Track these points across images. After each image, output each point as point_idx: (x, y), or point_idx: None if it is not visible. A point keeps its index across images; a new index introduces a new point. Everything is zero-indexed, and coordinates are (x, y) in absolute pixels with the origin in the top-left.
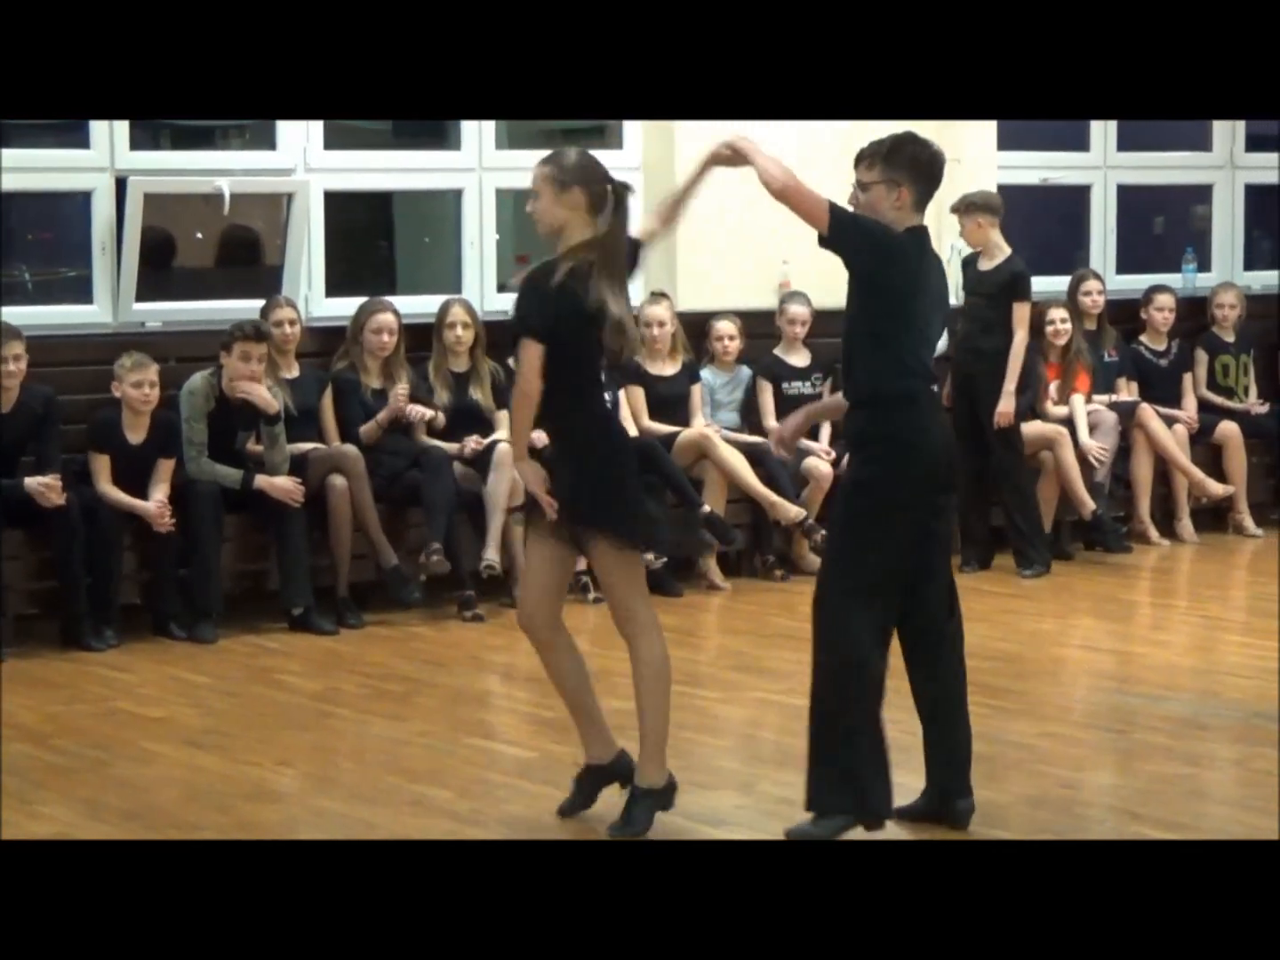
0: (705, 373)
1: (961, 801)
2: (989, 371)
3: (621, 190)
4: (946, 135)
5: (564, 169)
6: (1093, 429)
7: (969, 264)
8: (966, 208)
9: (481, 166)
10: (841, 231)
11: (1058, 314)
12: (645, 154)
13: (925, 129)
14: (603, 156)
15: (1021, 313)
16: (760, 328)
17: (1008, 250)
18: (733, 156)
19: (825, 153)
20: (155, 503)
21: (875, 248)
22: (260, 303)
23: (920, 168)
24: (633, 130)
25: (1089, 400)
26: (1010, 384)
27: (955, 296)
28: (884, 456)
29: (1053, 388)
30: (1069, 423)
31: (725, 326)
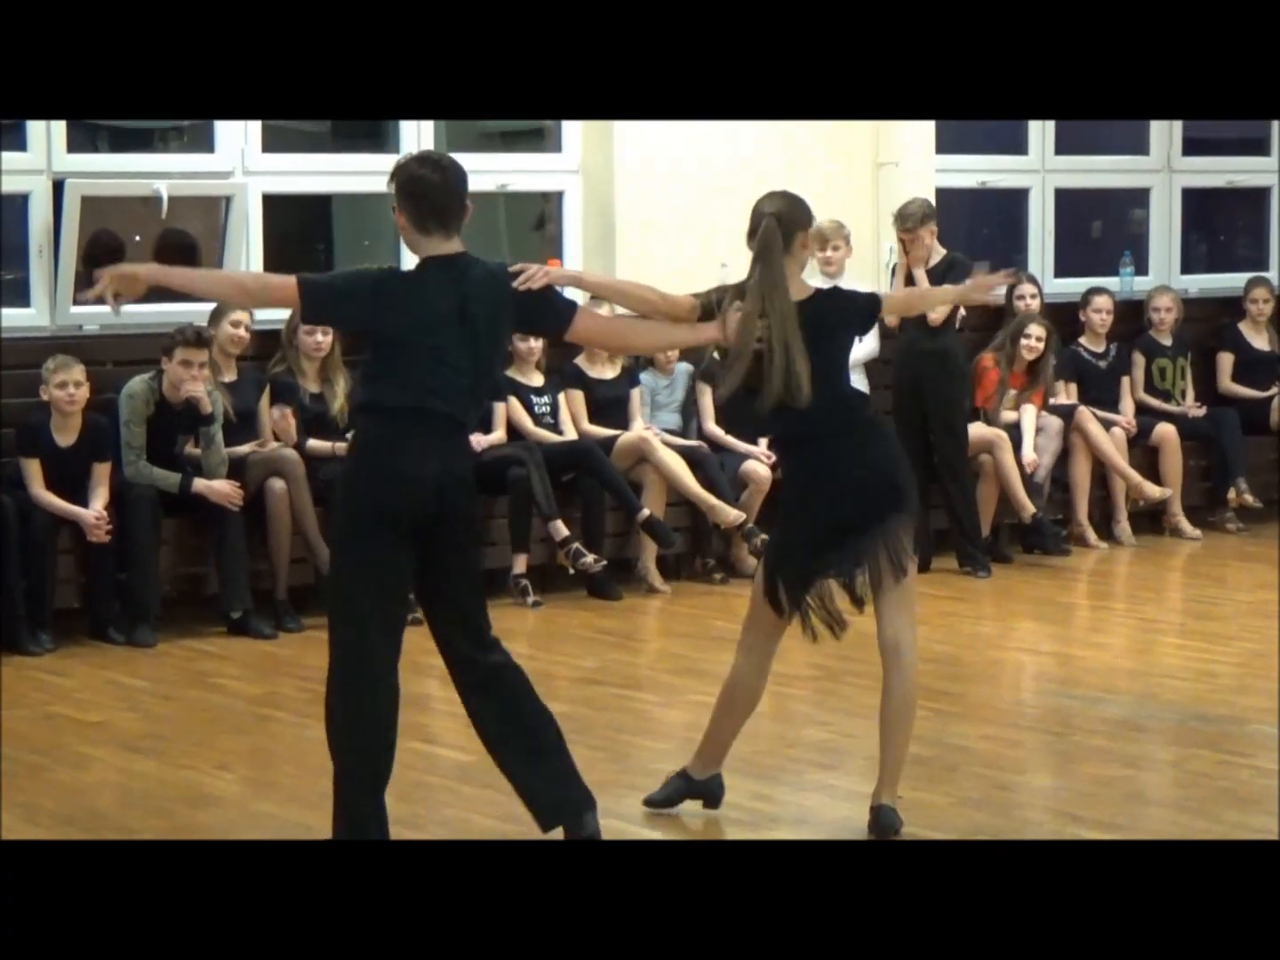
0: (645, 376)
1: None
2: (936, 372)
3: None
4: (884, 139)
5: None
6: (1036, 431)
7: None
8: (922, 219)
9: None
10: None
11: (1036, 330)
12: (584, 157)
13: (863, 131)
14: (541, 160)
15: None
16: None
17: (942, 251)
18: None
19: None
20: (93, 512)
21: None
22: (197, 307)
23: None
24: (571, 133)
25: (1039, 414)
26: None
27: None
28: None
29: (1010, 394)
30: (1012, 428)
31: None
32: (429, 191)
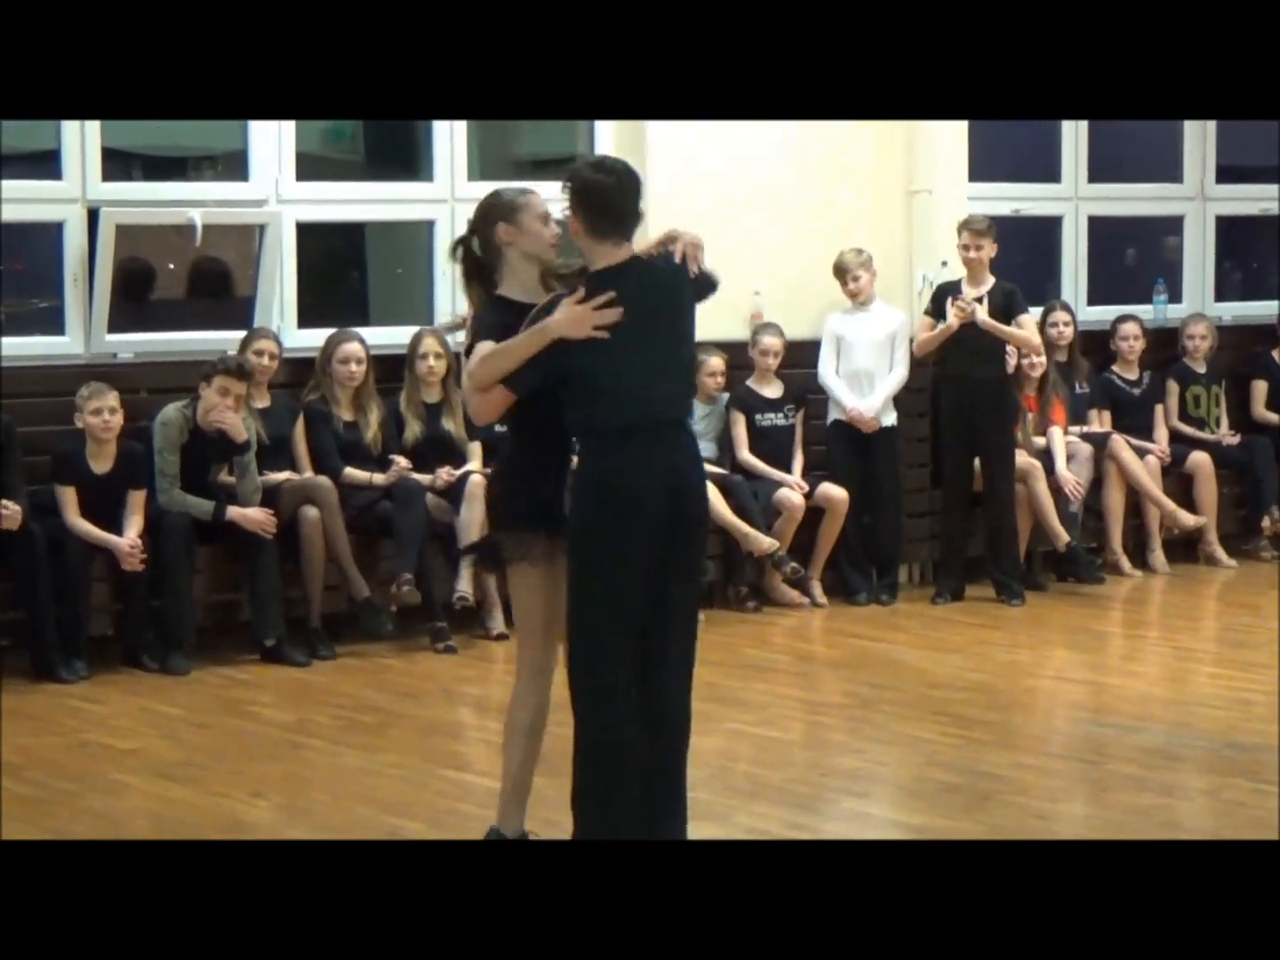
0: None
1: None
2: (986, 401)
3: None
4: (917, 166)
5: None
6: (1068, 460)
7: (949, 292)
8: (989, 227)
9: (454, 197)
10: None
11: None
12: None
13: (896, 158)
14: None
15: (1027, 323)
16: (734, 359)
17: (992, 278)
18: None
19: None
20: (128, 540)
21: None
22: (231, 334)
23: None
24: None
25: (1065, 432)
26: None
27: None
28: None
29: (1030, 419)
30: (1046, 455)
31: (716, 363)
32: (606, 196)
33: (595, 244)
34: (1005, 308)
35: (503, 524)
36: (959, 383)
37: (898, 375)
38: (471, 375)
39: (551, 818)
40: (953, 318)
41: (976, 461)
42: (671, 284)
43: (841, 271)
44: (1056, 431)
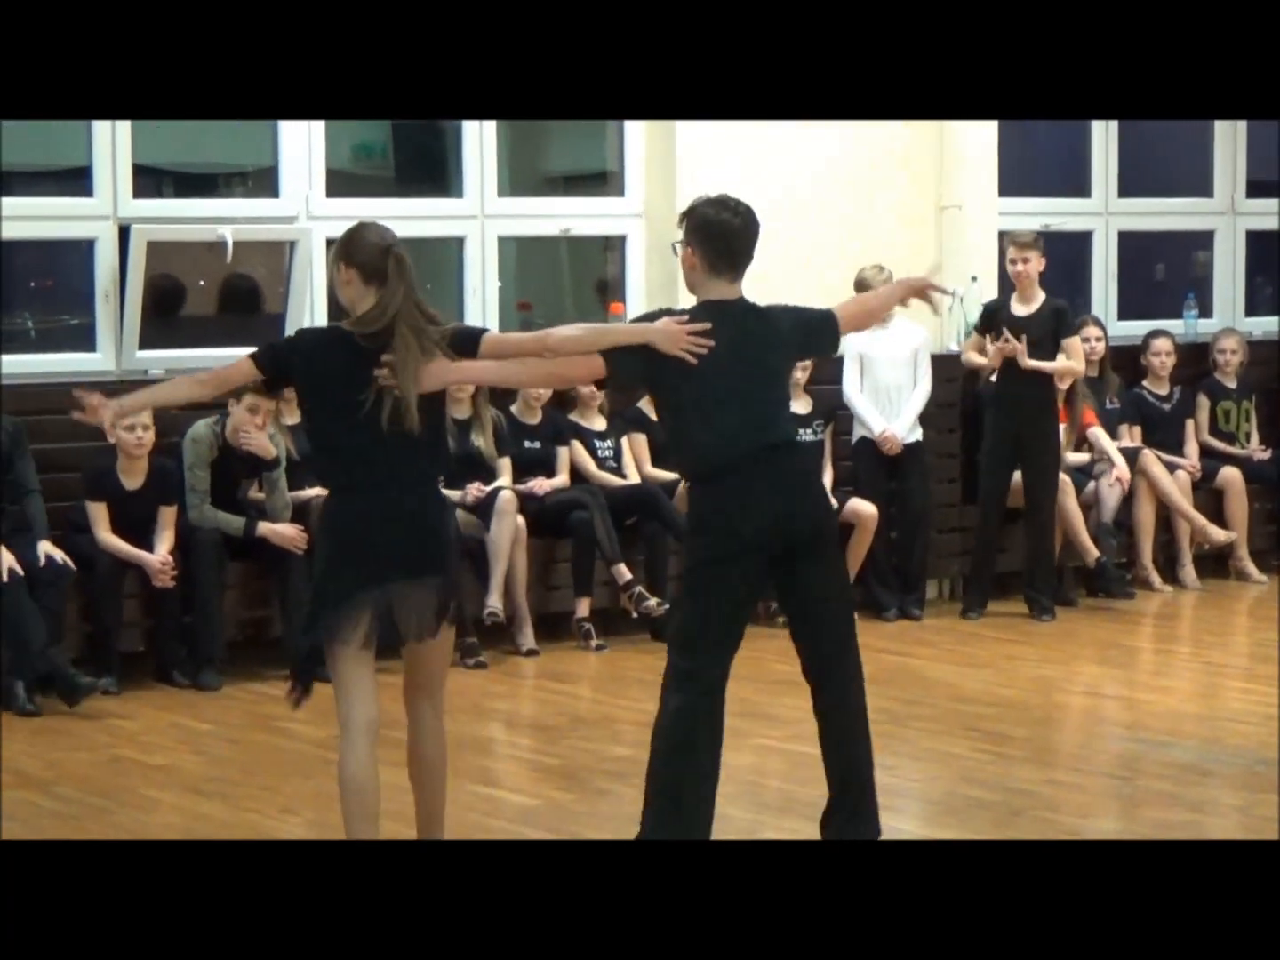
0: None
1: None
2: (1033, 418)
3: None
4: (947, 182)
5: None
6: (1098, 477)
7: (999, 309)
8: (1035, 240)
9: (483, 214)
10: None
11: None
12: (646, 201)
13: (926, 174)
14: (604, 204)
15: (1074, 346)
16: None
17: (1043, 294)
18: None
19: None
20: (159, 557)
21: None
22: None
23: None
24: (634, 177)
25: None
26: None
27: (956, 346)
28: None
29: (1061, 430)
30: (1077, 471)
31: None
32: (728, 234)
33: (709, 278)
34: (1054, 329)
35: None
36: (1007, 403)
37: (922, 391)
38: (570, 338)
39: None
40: (993, 356)
41: (1014, 479)
42: (773, 327)
43: (862, 288)
44: (1097, 432)
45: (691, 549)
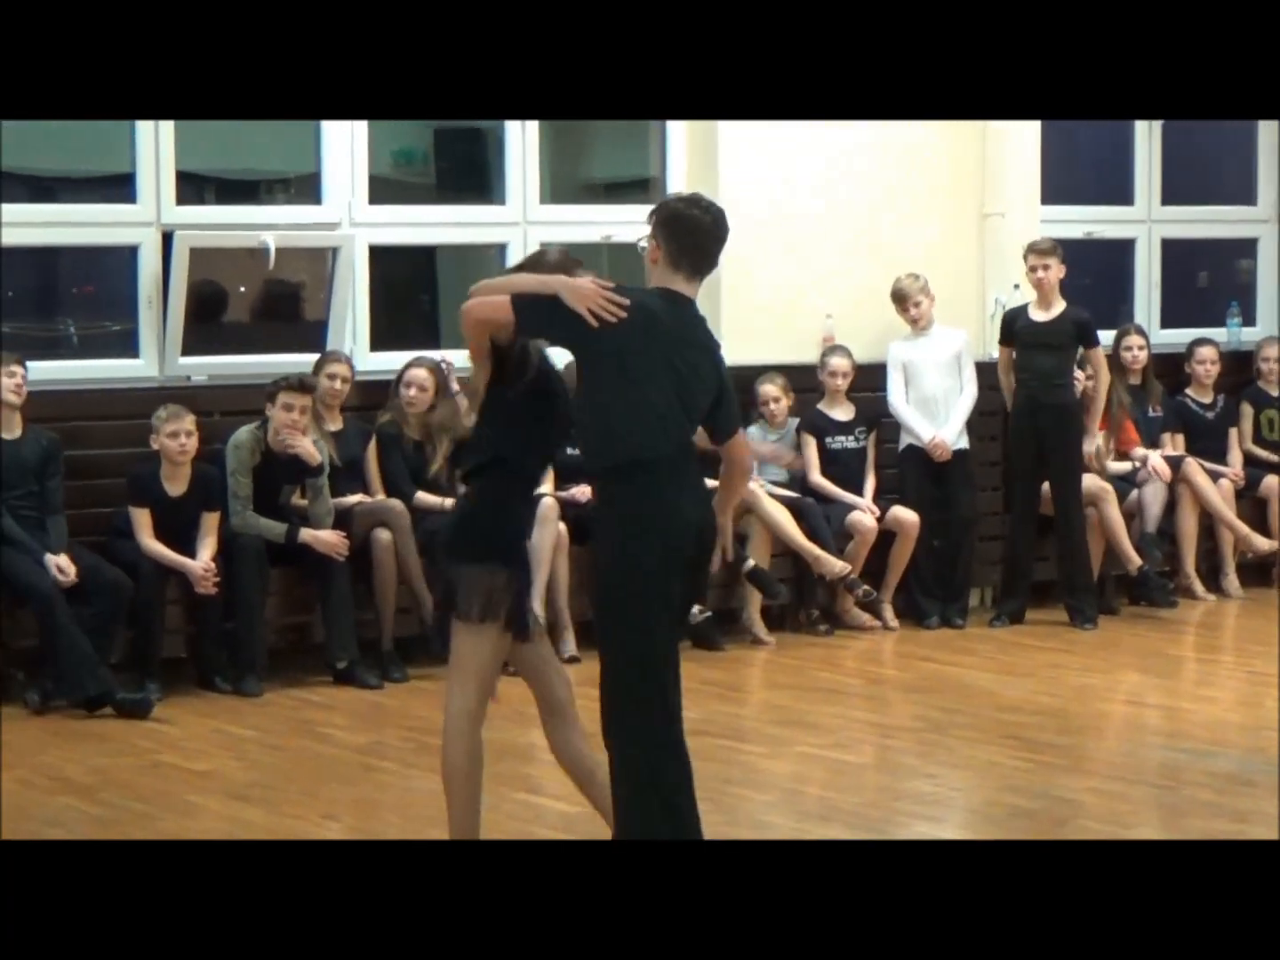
0: (754, 429)
1: None
2: (1056, 425)
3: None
4: (990, 189)
5: None
6: (1141, 485)
7: (1017, 316)
8: (1054, 247)
9: (525, 220)
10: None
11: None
12: None
13: (969, 182)
14: (646, 210)
15: (1098, 356)
16: (805, 382)
17: (1064, 302)
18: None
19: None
20: (201, 564)
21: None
22: (304, 357)
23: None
24: (676, 183)
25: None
26: (1095, 424)
27: (992, 350)
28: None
29: (1101, 440)
30: (1119, 479)
31: (770, 390)
32: (695, 230)
33: (668, 272)
34: (1077, 338)
35: (464, 560)
36: (1028, 407)
37: (969, 396)
38: (488, 284)
39: None
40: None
41: (1045, 486)
42: (710, 353)
43: (901, 298)
44: (1147, 454)
45: (621, 555)
